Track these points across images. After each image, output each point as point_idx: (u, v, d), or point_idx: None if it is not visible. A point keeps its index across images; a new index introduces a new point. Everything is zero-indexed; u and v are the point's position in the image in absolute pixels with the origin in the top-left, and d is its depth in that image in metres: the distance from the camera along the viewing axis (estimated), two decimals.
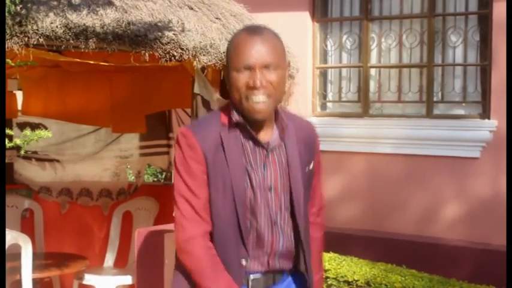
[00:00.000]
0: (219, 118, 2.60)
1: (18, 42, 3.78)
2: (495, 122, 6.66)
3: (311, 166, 2.72)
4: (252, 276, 2.62)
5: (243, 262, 2.57)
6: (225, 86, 2.74)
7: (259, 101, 2.50)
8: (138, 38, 4.04)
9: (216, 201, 2.55)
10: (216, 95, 4.44)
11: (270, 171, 2.60)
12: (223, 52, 4.26)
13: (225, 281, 2.52)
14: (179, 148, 2.58)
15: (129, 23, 4.03)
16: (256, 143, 2.59)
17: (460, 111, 7.06)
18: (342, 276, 5.68)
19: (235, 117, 2.56)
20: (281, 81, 2.55)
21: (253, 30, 2.57)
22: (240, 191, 2.54)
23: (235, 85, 2.51)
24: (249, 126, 2.56)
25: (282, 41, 2.65)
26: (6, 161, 3.41)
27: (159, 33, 4.09)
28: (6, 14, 3.36)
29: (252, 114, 2.52)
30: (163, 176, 9.21)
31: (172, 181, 3.11)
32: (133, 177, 6.99)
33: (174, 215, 2.60)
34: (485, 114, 6.81)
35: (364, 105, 7.48)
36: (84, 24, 3.91)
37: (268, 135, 2.62)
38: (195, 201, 2.54)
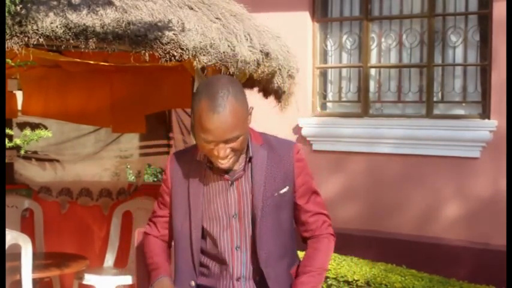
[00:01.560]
0: (194, 150, 2.85)
1: (18, 42, 3.77)
2: (495, 122, 6.66)
3: (285, 189, 2.81)
4: None
5: (192, 283, 2.83)
6: None
7: (223, 163, 2.66)
8: (138, 38, 4.03)
9: (176, 224, 2.86)
10: None
11: (234, 199, 2.78)
12: (224, 52, 4.25)
13: (158, 262, 2.90)
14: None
15: (129, 23, 4.02)
16: (220, 175, 2.77)
17: (460, 111, 7.06)
18: (342, 276, 5.68)
19: (199, 156, 2.80)
20: (243, 142, 2.66)
21: (214, 106, 2.57)
22: (196, 218, 2.79)
23: (200, 147, 2.68)
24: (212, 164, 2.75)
25: (243, 94, 2.70)
26: (6, 161, 3.41)
27: (159, 33, 4.08)
28: (6, 14, 3.35)
29: (217, 167, 2.71)
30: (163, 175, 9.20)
31: None
32: (133, 177, 6.99)
33: None
34: (485, 114, 6.81)
35: (364, 105, 7.48)
36: (84, 24, 3.90)
37: (235, 165, 2.76)
38: (156, 212, 2.99)
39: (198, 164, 2.80)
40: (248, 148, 2.77)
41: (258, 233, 2.76)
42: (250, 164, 2.78)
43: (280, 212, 2.81)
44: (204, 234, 2.82)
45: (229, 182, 2.77)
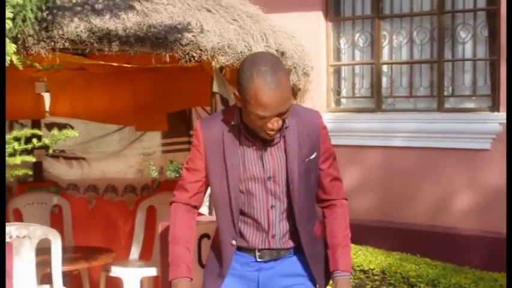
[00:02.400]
0: (225, 116, 2.91)
1: (45, 47, 3.81)
2: (504, 115, 6.63)
3: (313, 155, 2.93)
4: (257, 250, 2.95)
5: (233, 242, 2.93)
6: None
7: (272, 134, 2.77)
8: (159, 40, 4.06)
9: (214, 186, 2.93)
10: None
11: (269, 163, 2.87)
12: (241, 52, 4.28)
13: (179, 255, 2.93)
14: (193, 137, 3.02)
15: (150, 26, 4.06)
16: (255, 141, 2.86)
17: (470, 105, 7.04)
18: (358, 266, 5.70)
19: (236, 121, 2.85)
20: (290, 110, 2.75)
21: (268, 82, 2.65)
22: (234, 180, 2.86)
23: (252, 121, 2.75)
24: (250, 129, 2.82)
25: (286, 72, 2.87)
26: (35, 159, 3.44)
27: (179, 35, 4.11)
28: (33, 20, 3.39)
29: (263, 137, 2.81)
30: None
31: None
32: (156, 173, 7.03)
33: None
34: (495, 107, 6.79)
35: (377, 100, 7.48)
36: (107, 28, 3.94)
37: None
38: (187, 178, 2.98)
39: (232, 128, 2.87)
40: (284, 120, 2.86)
41: (293, 195, 2.88)
42: (284, 133, 2.86)
43: (310, 176, 2.94)
44: (241, 194, 2.90)
45: (265, 147, 2.86)
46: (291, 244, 2.96)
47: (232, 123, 2.86)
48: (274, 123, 2.71)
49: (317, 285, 3.04)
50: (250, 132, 2.84)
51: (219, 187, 2.90)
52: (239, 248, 2.96)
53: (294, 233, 2.95)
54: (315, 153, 2.93)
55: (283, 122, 2.77)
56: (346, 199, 3.08)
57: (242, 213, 2.93)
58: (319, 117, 2.98)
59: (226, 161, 2.86)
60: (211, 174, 2.92)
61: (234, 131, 2.87)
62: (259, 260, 2.96)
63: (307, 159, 2.90)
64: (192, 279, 2.92)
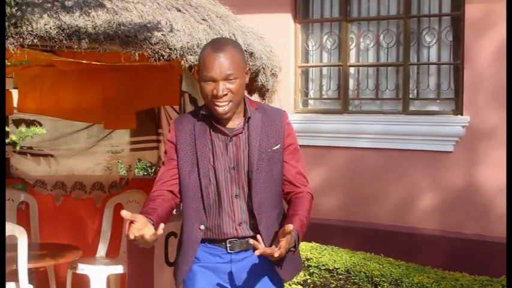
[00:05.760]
0: (197, 111, 3.10)
1: (13, 43, 3.76)
2: (467, 118, 6.70)
3: (277, 147, 3.05)
4: (228, 240, 3.02)
5: (201, 227, 3.02)
6: None
7: (221, 105, 2.92)
8: (128, 38, 4.03)
9: (184, 175, 3.02)
10: None
11: (233, 153, 3.01)
12: None
13: (147, 207, 2.92)
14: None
15: (119, 24, 4.02)
16: (221, 131, 3.00)
17: (435, 108, 7.10)
18: (323, 265, 5.70)
19: (204, 111, 3.03)
20: (240, 87, 2.94)
21: (217, 46, 2.94)
22: (204, 168, 2.99)
23: (203, 92, 2.95)
24: (216, 119, 2.99)
25: (242, 51, 3.10)
26: None
27: (149, 34, 4.08)
28: None
29: (216, 115, 2.96)
30: (153, 170, 9.19)
31: None
32: (124, 171, 6.97)
33: None
34: (458, 110, 6.85)
35: (343, 102, 7.50)
36: (77, 26, 3.89)
37: (235, 124, 3.02)
38: (162, 169, 3.09)
39: (202, 121, 3.02)
40: (246, 110, 3.03)
41: (254, 183, 2.99)
42: (247, 124, 3.02)
43: (273, 166, 3.04)
44: (210, 183, 3.01)
45: (229, 137, 3.00)
46: (252, 232, 3.00)
47: (202, 112, 3.02)
48: (219, 89, 2.86)
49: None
50: (217, 120, 2.99)
51: (189, 175, 3.01)
52: (210, 241, 3.04)
53: (256, 221, 3.01)
54: (279, 144, 3.06)
55: (233, 96, 2.90)
56: (312, 196, 3.12)
57: (211, 201, 3.01)
58: (284, 115, 3.13)
59: (197, 150, 3.00)
60: (181, 162, 3.02)
61: (203, 122, 3.02)
62: (229, 251, 3.02)
63: (269, 150, 3.03)
64: (153, 222, 2.80)
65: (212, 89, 2.88)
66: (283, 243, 2.77)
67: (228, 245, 3.02)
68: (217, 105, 2.91)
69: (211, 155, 3.01)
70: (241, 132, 3.01)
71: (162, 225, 2.74)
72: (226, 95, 2.89)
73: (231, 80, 2.89)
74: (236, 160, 3.00)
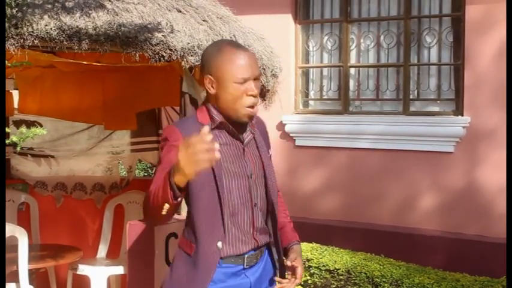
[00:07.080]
0: (196, 119, 2.81)
1: (14, 44, 3.77)
2: (468, 118, 6.70)
3: (270, 153, 3.00)
4: (246, 255, 2.82)
5: (219, 244, 2.74)
6: None
7: (254, 104, 2.76)
8: (129, 39, 4.03)
9: (194, 188, 2.69)
10: (203, 94, 4.44)
11: (248, 161, 2.85)
12: None
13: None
14: (165, 141, 2.75)
15: (120, 25, 4.02)
16: (236, 138, 2.83)
17: (435, 108, 7.09)
18: (324, 266, 5.70)
19: (219, 117, 2.79)
20: (259, 84, 2.83)
21: (238, 45, 2.83)
22: (221, 179, 2.72)
23: (232, 94, 2.72)
24: (233, 124, 2.80)
25: None
26: None
27: (149, 35, 4.08)
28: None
29: (243, 117, 2.76)
30: (154, 170, 9.19)
31: None
32: (125, 172, 6.97)
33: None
34: (459, 111, 6.85)
35: (344, 102, 7.50)
36: (77, 27, 3.90)
37: (244, 130, 2.87)
38: (159, 175, 2.62)
39: (214, 128, 2.76)
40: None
41: (269, 189, 2.90)
42: (254, 132, 2.92)
43: (274, 173, 2.97)
44: (228, 194, 2.76)
45: (243, 143, 2.85)
46: (267, 239, 2.93)
47: (218, 119, 2.78)
48: (254, 87, 2.73)
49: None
50: (233, 132, 2.81)
51: (202, 187, 2.70)
52: (224, 260, 2.77)
53: (267, 228, 2.94)
54: (270, 150, 3.02)
55: (257, 98, 2.77)
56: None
57: (230, 213, 2.76)
58: (264, 124, 3.07)
59: None
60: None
61: (215, 129, 2.76)
62: (246, 266, 2.82)
63: (269, 155, 2.98)
64: None
65: (244, 89, 2.71)
66: (299, 269, 2.90)
67: (245, 260, 2.81)
68: (250, 106, 2.74)
69: (228, 164, 2.77)
70: (252, 139, 2.89)
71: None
72: (257, 94, 2.77)
73: (257, 80, 2.78)
74: (253, 168, 2.84)
